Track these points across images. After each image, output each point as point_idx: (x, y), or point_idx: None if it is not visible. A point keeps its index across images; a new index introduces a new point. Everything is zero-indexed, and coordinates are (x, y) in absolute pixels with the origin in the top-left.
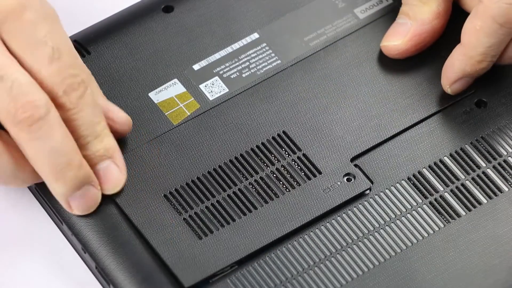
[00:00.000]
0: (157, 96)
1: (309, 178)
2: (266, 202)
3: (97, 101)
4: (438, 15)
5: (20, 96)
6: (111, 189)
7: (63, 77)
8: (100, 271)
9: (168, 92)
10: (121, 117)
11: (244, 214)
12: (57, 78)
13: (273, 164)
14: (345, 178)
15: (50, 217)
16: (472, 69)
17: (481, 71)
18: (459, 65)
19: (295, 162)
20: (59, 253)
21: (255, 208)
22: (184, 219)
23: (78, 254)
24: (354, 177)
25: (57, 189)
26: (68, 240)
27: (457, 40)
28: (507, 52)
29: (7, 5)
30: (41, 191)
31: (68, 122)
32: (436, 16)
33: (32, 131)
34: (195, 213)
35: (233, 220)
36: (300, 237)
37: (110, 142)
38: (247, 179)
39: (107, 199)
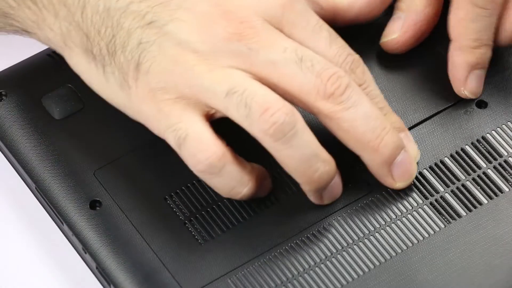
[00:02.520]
0: None
1: None
2: (266, 206)
3: None
4: (430, 3)
5: (324, 71)
6: (413, 160)
7: (345, 56)
8: (101, 271)
9: None
10: None
11: (245, 218)
12: (340, 58)
13: (273, 166)
14: None
15: (51, 217)
16: (473, 57)
17: (483, 56)
18: (459, 59)
19: None
20: (59, 253)
21: (256, 212)
22: (185, 223)
23: (79, 254)
24: (355, 179)
25: (379, 157)
26: (68, 240)
27: None
28: (501, 33)
29: (279, 1)
30: (42, 192)
31: None
32: (427, 4)
33: (344, 101)
34: (196, 217)
35: (233, 224)
36: (301, 237)
37: (398, 117)
38: None
39: (106, 200)
